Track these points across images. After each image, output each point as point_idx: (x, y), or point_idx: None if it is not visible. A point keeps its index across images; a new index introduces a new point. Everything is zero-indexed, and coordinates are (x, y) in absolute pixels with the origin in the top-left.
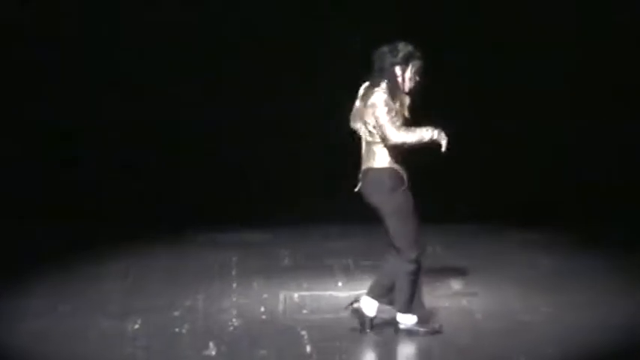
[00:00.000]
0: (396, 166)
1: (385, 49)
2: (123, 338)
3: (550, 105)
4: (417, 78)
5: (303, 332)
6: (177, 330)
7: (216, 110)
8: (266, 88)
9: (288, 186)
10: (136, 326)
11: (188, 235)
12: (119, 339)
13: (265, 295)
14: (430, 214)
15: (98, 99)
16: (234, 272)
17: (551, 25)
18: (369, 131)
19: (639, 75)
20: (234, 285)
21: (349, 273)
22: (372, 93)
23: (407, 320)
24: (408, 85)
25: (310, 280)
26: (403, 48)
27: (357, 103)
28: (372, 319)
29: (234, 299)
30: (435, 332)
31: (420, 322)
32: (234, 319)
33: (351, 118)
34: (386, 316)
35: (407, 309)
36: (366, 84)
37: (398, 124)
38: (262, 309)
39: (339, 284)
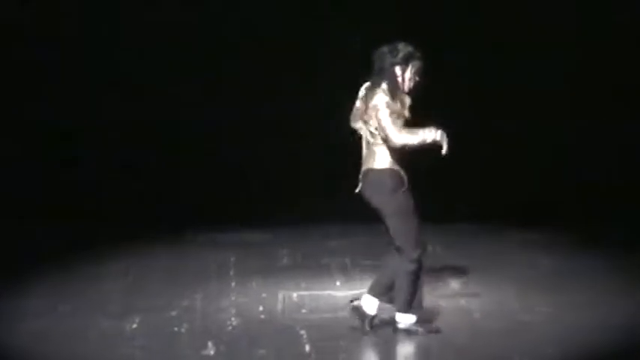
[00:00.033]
0: (397, 167)
1: (385, 49)
2: (123, 338)
3: (550, 105)
4: (417, 78)
5: (302, 331)
6: (176, 329)
7: (216, 110)
8: (266, 88)
9: (288, 186)
10: (134, 326)
11: (188, 235)
12: (119, 339)
13: (264, 295)
14: (430, 214)
15: (98, 99)
16: (232, 272)
17: (551, 25)
18: (371, 132)
19: (639, 75)
20: (233, 284)
21: (347, 272)
22: (374, 94)
23: (406, 320)
24: (408, 86)
25: (309, 279)
26: (403, 48)
27: (358, 103)
28: (372, 318)
29: (233, 299)
30: (434, 332)
31: (419, 322)
32: (232, 319)
33: (352, 118)
34: (385, 315)
35: (406, 308)
36: (367, 84)
37: (400, 125)
38: (261, 308)
39: (338, 284)
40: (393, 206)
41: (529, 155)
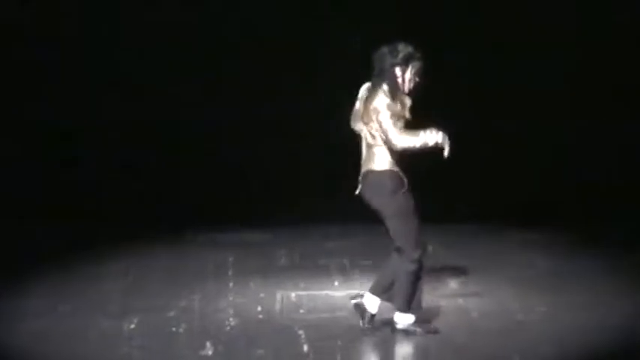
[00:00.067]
0: (397, 168)
1: (385, 50)
2: (122, 338)
3: (550, 105)
4: (417, 79)
5: (300, 332)
6: (174, 330)
7: (216, 110)
8: (266, 88)
9: (288, 186)
10: (132, 326)
11: (188, 235)
12: (118, 339)
13: (262, 295)
14: (430, 214)
15: (98, 99)
16: (230, 272)
17: (551, 25)
18: (371, 133)
19: (639, 75)
20: (231, 285)
21: (346, 273)
22: (374, 96)
23: (404, 320)
24: (408, 86)
25: (307, 279)
26: (403, 49)
27: (358, 104)
28: (372, 316)
29: (231, 299)
30: (433, 332)
31: (417, 322)
32: (231, 319)
33: (352, 119)
34: (385, 316)
35: (405, 309)
36: (367, 85)
37: (400, 127)
38: (259, 308)
39: (336, 284)
40: (393, 207)
41: (529, 155)
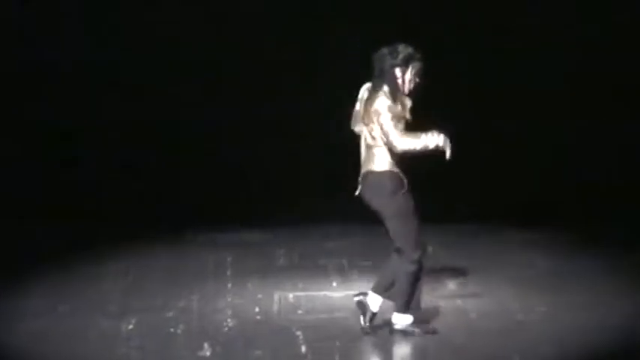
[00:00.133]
0: (396, 169)
1: (385, 50)
2: (121, 338)
3: (550, 105)
4: (417, 79)
5: (298, 332)
6: (172, 330)
7: (216, 110)
8: (266, 88)
9: (288, 186)
10: (130, 326)
11: (188, 235)
12: (118, 339)
13: (260, 296)
14: (430, 214)
15: (98, 99)
16: (229, 272)
17: (551, 25)
18: (371, 134)
19: (639, 75)
20: (229, 285)
21: (345, 273)
22: (375, 98)
23: (403, 320)
24: (408, 87)
25: (306, 280)
26: (403, 50)
27: (358, 105)
28: (373, 314)
29: (229, 299)
30: (431, 333)
31: (415, 323)
32: (229, 320)
33: (352, 119)
34: (386, 316)
35: (404, 309)
36: (367, 85)
37: (401, 129)
38: (257, 309)
39: (334, 284)
40: (393, 208)
41: (529, 155)
